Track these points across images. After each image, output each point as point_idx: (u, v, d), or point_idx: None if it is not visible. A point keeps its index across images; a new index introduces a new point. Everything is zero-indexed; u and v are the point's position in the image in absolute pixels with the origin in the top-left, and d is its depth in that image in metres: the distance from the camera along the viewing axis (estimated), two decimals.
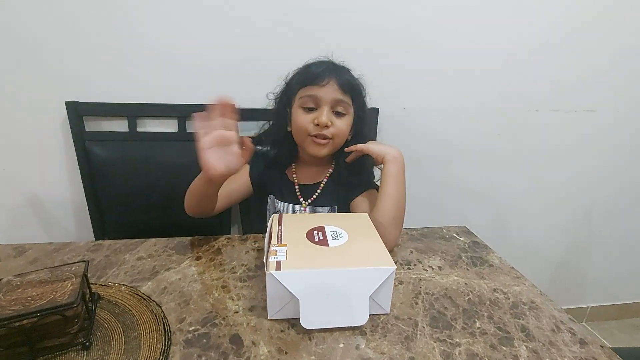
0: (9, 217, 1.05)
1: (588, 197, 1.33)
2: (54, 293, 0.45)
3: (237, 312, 0.53)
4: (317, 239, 0.56)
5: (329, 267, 0.49)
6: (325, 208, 0.82)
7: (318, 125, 0.74)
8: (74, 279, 0.48)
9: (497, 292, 0.60)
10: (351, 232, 0.59)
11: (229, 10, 0.95)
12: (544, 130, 1.21)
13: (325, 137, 0.75)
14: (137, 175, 1.01)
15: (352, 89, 0.75)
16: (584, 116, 1.21)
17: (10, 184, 1.02)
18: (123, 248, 0.69)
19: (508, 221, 1.31)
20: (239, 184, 0.84)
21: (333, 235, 0.57)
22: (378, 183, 0.83)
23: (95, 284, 0.58)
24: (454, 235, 0.79)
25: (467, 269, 0.66)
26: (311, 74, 0.75)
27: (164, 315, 0.52)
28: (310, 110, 0.75)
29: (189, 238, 0.73)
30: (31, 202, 1.05)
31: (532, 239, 1.36)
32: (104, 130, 1.02)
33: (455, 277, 0.64)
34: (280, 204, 0.83)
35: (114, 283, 0.58)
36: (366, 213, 0.67)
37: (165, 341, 0.47)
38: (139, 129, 1.02)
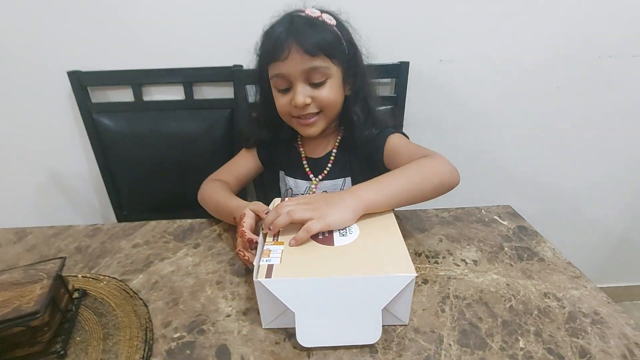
0: (35, 194, 1.06)
1: None
2: (21, 299, 0.40)
3: (229, 316, 0.46)
4: (320, 236, 0.47)
5: (331, 275, 0.40)
6: (339, 181, 0.72)
7: (297, 107, 0.62)
8: (45, 281, 0.43)
9: (549, 298, 0.48)
10: (364, 225, 0.49)
11: None
12: (618, 81, 0.97)
13: (310, 115, 0.64)
14: (147, 147, 0.96)
15: (322, 47, 0.59)
16: None
17: (30, 162, 1.02)
18: (121, 233, 0.64)
19: (569, 194, 1.11)
20: (249, 166, 0.77)
21: (341, 232, 0.47)
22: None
23: (86, 277, 0.54)
24: (496, 218, 0.66)
25: (511, 265, 0.54)
26: (270, 48, 0.61)
27: (149, 317, 0.46)
28: (285, 91, 0.63)
29: (189, 221, 0.67)
30: (53, 178, 1.05)
31: (597, 212, 1.15)
32: (111, 101, 0.96)
33: (495, 276, 0.52)
34: (290, 181, 0.74)
35: (104, 276, 0.54)
36: None
37: (145, 351, 0.42)
38: (145, 98, 0.95)
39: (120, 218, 1.03)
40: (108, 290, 0.51)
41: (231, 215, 0.58)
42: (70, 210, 1.10)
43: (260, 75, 0.67)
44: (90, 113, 0.94)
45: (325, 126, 0.67)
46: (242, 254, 0.50)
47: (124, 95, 0.95)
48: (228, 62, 0.90)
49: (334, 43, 0.61)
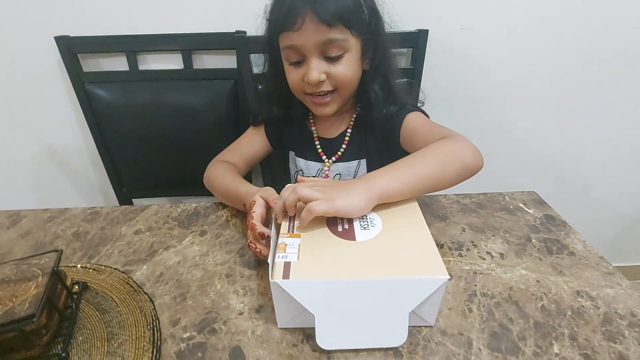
0: (29, 171, 1.01)
1: None
2: (14, 299, 0.37)
3: (241, 314, 0.43)
4: (340, 229, 0.43)
5: (355, 276, 0.36)
6: (354, 163, 0.67)
7: (310, 83, 0.56)
8: (39, 278, 0.39)
9: (582, 297, 0.45)
10: (386, 216, 0.45)
11: None
12: None
13: (325, 94, 0.58)
14: (145, 120, 0.90)
15: (341, 16, 0.52)
16: None
17: (21, 138, 0.96)
18: (121, 217, 0.60)
19: (593, 172, 1.06)
20: (257, 146, 0.71)
21: (362, 224, 0.43)
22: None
23: (86, 267, 0.50)
24: (521, 205, 0.62)
25: (540, 259, 0.51)
26: (281, 15, 0.53)
27: (155, 314, 0.43)
28: (297, 64, 0.56)
29: (194, 205, 0.63)
30: (46, 154, 0.99)
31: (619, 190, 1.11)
32: (104, 70, 0.88)
33: (524, 271, 0.49)
34: (301, 162, 0.69)
35: (105, 266, 0.50)
36: None
37: (153, 353, 0.39)
38: (141, 67, 0.88)
39: (120, 196, 0.99)
40: (110, 283, 0.47)
41: (241, 202, 0.54)
42: (67, 187, 1.05)
43: (270, 44, 0.60)
44: (82, 83, 0.87)
45: (340, 106, 0.61)
46: (253, 246, 0.47)
47: (118, 63, 0.87)
48: (230, 28, 0.82)
49: (354, 11, 0.54)
